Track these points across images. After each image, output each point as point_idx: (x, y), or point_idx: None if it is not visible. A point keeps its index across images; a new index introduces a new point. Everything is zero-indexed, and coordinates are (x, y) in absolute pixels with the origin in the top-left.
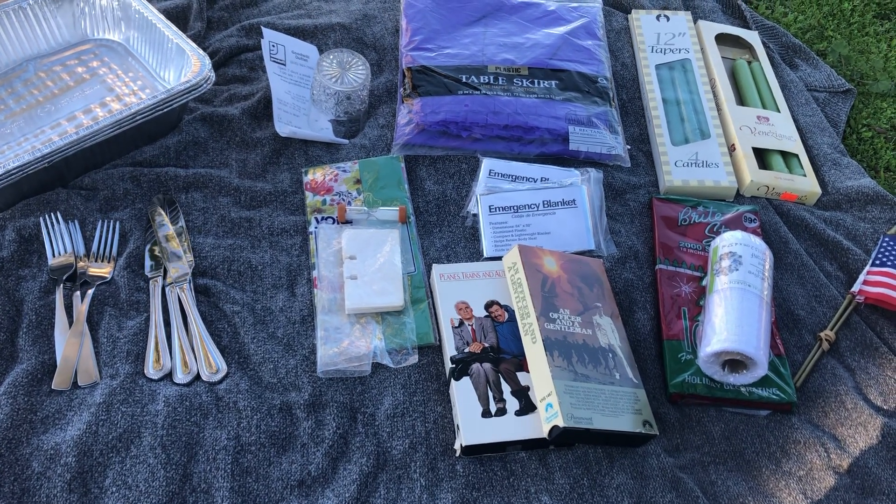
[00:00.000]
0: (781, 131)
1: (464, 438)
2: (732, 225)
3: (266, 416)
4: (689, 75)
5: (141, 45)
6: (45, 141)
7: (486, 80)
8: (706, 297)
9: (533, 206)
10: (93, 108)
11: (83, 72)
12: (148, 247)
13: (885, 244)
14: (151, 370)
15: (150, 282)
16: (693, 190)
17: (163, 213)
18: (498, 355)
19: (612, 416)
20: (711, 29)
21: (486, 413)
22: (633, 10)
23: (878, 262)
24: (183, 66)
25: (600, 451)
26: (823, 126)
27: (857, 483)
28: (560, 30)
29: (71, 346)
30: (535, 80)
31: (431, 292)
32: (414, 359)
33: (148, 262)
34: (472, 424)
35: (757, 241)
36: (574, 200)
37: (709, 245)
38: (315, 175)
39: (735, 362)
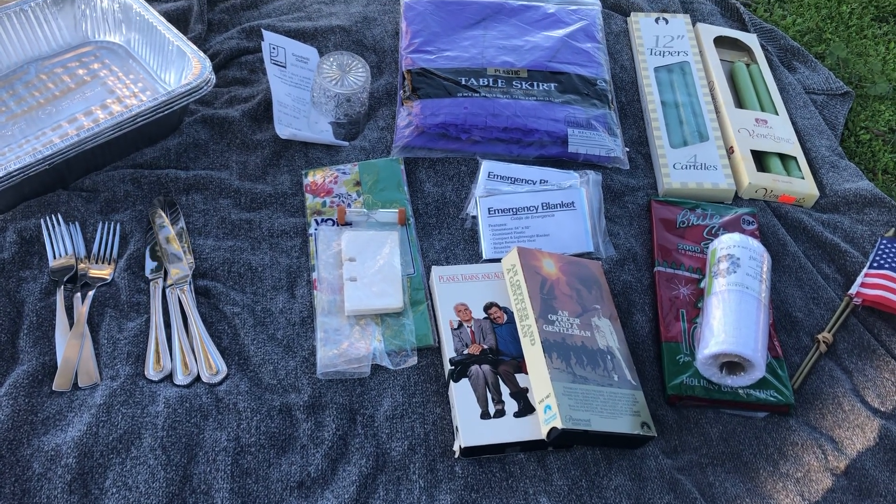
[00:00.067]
0: (780, 134)
1: (463, 440)
2: (731, 227)
3: (266, 417)
4: (688, 78)
5: (142, 47)
6: (46, 143)
7: (486, 83)
8: (704, 300)
9: (532, 209)
10: (93, 110)
11: (84, 74)
12: (148, 248)
13: (882, 246)
14: (152, 371)
15: (151, 283)
16: (691, 192)
17: (163, 214)
18: (497, 357)
19: (610, 417)
20: (710, 32)
21: (485, 415)
22: (632, 13)
23: (875, 264)
24: (183, 68)
25: (598, 452)
26: (821, 129)
27: (854, 485)
28: (559, 32)
29: (71, 347)
30: (535, 83)
31: (431, 294)
32: (413, 360)
33: (148, 264)
34: (471, 426)
35: (755, 244)
36: (573, 203)
37: (707, 247)
38: (315, 177)
39: (733, 364)
